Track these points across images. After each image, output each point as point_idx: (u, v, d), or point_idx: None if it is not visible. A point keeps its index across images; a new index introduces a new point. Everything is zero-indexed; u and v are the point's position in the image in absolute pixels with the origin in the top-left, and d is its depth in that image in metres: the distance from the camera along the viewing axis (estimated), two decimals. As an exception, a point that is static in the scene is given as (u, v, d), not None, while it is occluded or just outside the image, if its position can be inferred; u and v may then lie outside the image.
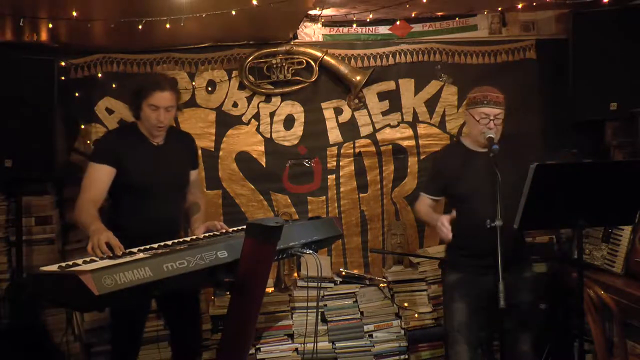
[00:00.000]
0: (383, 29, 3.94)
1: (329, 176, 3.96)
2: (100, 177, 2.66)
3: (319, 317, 3.50)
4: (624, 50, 3.43)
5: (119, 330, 2.81)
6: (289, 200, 3.93)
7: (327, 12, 3.62)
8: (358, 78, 3.80)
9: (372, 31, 3.94)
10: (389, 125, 3.96)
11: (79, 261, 2.05)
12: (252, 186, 3.91)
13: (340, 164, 3.97)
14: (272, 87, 3.86)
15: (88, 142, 3.73)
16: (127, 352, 2.81)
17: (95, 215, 2.54)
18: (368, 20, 3.77)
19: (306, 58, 3.82)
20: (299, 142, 3.93)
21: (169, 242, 2.44)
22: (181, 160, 2.89)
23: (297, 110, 3.91)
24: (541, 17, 3.95)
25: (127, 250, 2.22)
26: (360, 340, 3.54)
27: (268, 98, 3.89)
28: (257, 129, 3.90)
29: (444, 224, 2.58)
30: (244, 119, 3.89)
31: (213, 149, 3.87)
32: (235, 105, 3.88)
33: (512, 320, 2.59)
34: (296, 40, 3.86)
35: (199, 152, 3.12)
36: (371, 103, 3.94)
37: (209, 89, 3.86)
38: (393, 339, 3.57)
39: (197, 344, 3.01)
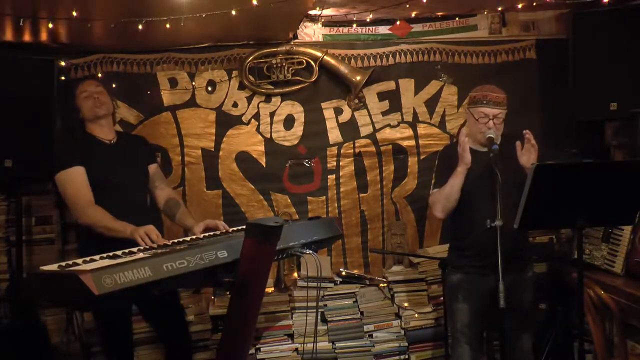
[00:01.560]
0: (383, 29, 3.94)
1: (329, 176, 3.96)
2: (80, 178, 2.70)
3: (319, 317, 3.50)
4: (624, 50, 3.43)
5: (106, 333, 2.84)
6: (289, 200, 3.93)
7: (327, 12, 3.62)
8: (358, 78, 3.80)
9: (372, 31, 3.93)
10: (389, 125, 3.96)
11: (79, 261, 2.05)
12: (252, 186, 3.91)
13: (340, 164, 3.96)
14: (272, 87, 3.86)
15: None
16: (118, 353, 2.83)
17: (112, 216, 2.60)
18: (368, 20, 3.77)
19: (306, 58, 3.82)
20: (299, 142, 3.92)
21: (169, 242, 2.45)
22: (136, 155, 2.96)
23: (297, 110, 3.91)
24: (541, 17, 3.95)
25: (127, 250, 2.22)
26: (360, 340, 3.54)
27: (268, 98, 3.89)
28: (257, 129, 3.90)
29: (464, 146, 2.61)
30: (244, 119, 3.89)
31: (213, 149, 3.87)
32: (235, 105, 3.88)
33: (513, 320, 2.59)
34: (296, 40, 3.86)
35: (152, 148, 3.22)
36: (371, 103, 3.94)
37: (209, 89, 3.86)
38: (393, 339, 3.57)
39: (186, 339, 3.02)
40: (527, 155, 2.60)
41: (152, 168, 3.02)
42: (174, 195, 3.04)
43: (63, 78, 3.59)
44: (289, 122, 3.92)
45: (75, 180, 2.70)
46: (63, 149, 3.00)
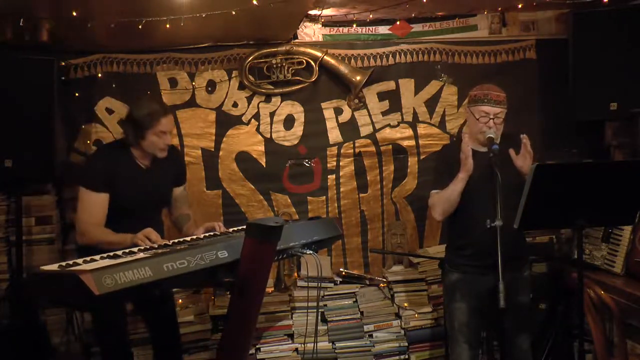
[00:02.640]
0: (383, 29, 3.94)
1: (329, 176, 3.96)
2: (99, 203, 2.68)
3: (319, 317, 3.49)
4: (624, 50, 3.43)
5: (103, 333, 2.84)
6: (289, 200, 3.93)
7: (327, 12, 3.62)
8: (358, 78, 3.80)
9: (372, 31, 3.93)
10: (389, 125, 3.96)
11: (79, 261, 2.05)
12: (252, 186, 3.91)
13: (340, 164, 3.97)
14: (272, 87, 3.86)
15: (88, 142, 3.73)
16: (116, 354, 2.83)
17: (110, 231, 2.61)
18: (368, 20, 3.77)
19: (306, 58, 3.82)
20: (299, 142, 3.92)
21: (169, 242, 2.45)
22: (166, 181, 2.93)
23: (297, 110, 3.91)
24: (541, 17, 3.94)
25: (128, 250, 2.22)
26: (360, 340, 3.54)
27: (268, 98, 3.89)
28: (257, 129, 3.90)
29: (467, 153, 2.60)
30: (244, 119, 3.89)
31: (213, 149, 3.87)
32: (235, 105, 3.88)
33: (511, 320, 2.59)
34: (296, 40, 3.86)
35: (184, 166, 3.16)
36: (371, 103, 3.94)
37: (209, 89, 3.86)
38: (393, 339, 3.57)
39: (176, 342, 3.02)
40: (522, 161, 2.60)
41: (178, 191, 3.00)
42: (188, 212, 3.04)
43: (63, 78, 3.59)
44: (289, 122, 3.92)
45: (93, 204, 2.68)
46: (96, 163, 2.84)
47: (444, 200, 2.72)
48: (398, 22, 3.90)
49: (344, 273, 3.74)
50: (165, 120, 2.75)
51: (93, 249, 2.57)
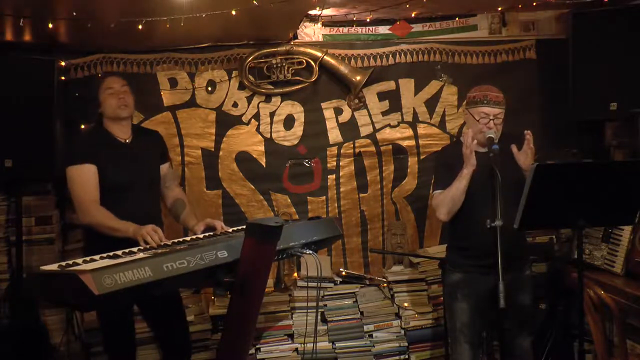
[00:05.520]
0: (383, 29, 3.94)
1: (329, 176, 3.96)
2: (89, 176, 2.69)
3: (319, 317, 3.50)
4: (624, 50, 3.43)
5: (108, 332, 2.84)
6: (289, 200, 3.93)
7: (327, 12, 3.62)
8: (358, 78, 3.80)
9: (372, 31, 3.93)
10: (389, 125, 3.96)
11: (79, 261, 2.05)
12: (252, 186, 3.91)
13: (340, 164, 3.97)
14: (272, 87, 3.86)
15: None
16: (121, 353, 2.82)
17: (113, 216, 2.60)
18: (368, 20, 3.77)
19: (306, 58, 3.82)
20: (299, 142, 3.93)
21: (169, 242, 2.45)
22: (150, 155, 2.93)
23: (297, 110, 3.91)
24: (541, 17, 3.95)
25: (127, 250, 2.22)
26: (360, 340, 3.54)
27: (268, 98, 3.89)
28: (257, 129, 3.90)
29: (471, 149, 2.60)
30: (244, 119, 3.89)
31: (213, 149, 3.87)
32: (235, 105, 3.88)
33: (511, 320, 2.59)
34: (296, 40, 3.86)
35: (167, 146, 3.17)
36: (371, 103, 3.94)
37: (209, 89, 3.86)
38: (393, 339, 3.57)
39: (186, 342, 3.00)
40: (524, 157, 2.60)
41: (164, 168, 3.01)
42: (182, 195, 3.04)
43: (63, 78, 3.59)
44: (289, 122, 3.92)
45: (83, 177, 2.69)
46: (77, 143, 2.97)
47: (449, 199, 2.70)
48: (398, 22, 3.90)
49: (344, 273, 3.74)
50: (109, 78, 2.94)
51: (97, 233, 2.60)
